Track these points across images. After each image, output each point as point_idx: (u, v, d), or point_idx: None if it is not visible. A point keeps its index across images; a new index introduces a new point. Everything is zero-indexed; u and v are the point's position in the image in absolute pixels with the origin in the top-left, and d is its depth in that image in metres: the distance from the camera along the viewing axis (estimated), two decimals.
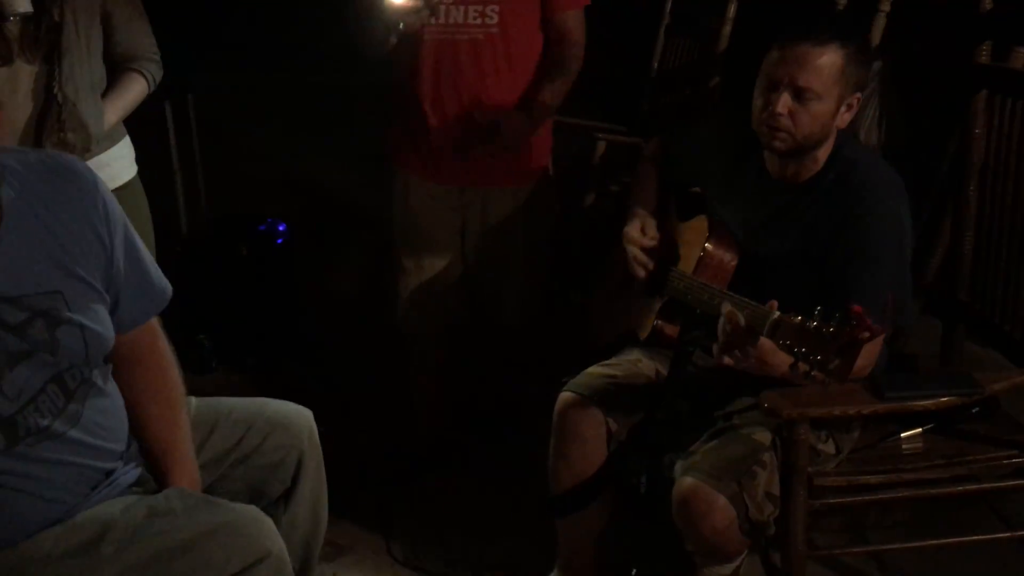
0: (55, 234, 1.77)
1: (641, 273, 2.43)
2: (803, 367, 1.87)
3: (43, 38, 2.46)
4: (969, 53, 2.50)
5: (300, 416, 2.11)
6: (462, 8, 2.76)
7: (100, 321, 1.83)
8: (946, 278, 2.61)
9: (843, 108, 2.22)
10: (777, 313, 1.94)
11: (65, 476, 1.79)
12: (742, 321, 2.00)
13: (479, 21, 2.76)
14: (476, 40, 2.78)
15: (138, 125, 2.77)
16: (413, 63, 2.83)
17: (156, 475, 1.94)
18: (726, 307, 2.04)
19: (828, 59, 2.15)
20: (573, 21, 2.85)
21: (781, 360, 1.98)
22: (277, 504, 2.06)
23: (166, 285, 2.02)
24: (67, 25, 2.48)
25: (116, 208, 1.88)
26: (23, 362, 1.73)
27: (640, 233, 2.44)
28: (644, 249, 2.43)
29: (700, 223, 2.40)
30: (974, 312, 2.53)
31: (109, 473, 1.86)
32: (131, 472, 1.91)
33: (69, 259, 1.78)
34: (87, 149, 2.53)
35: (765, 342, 1.98)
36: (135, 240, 1.93)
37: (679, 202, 2.52)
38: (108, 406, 1.87)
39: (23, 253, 1.72)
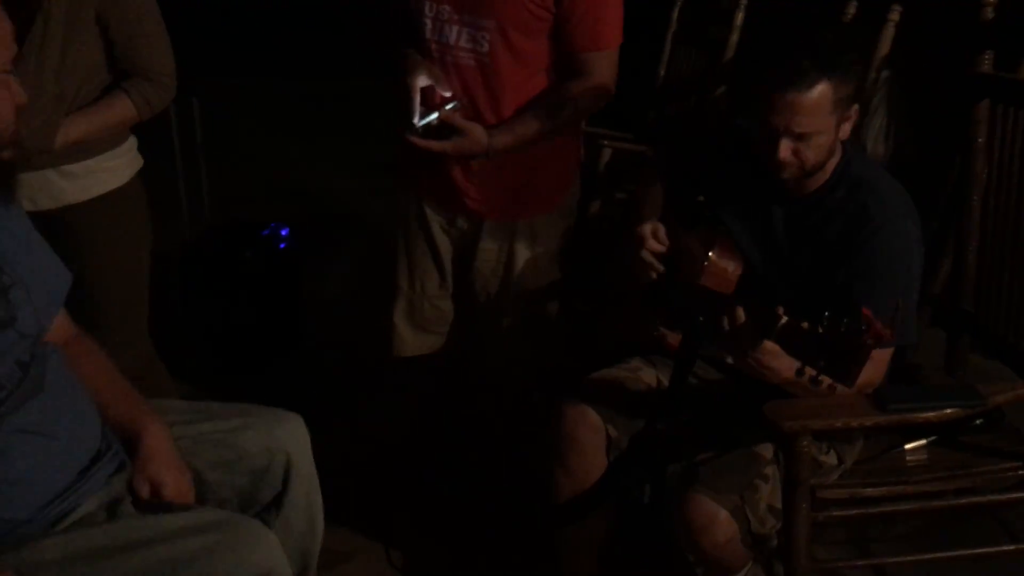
0: None
1: (651, 276, 2.39)
2: (810, 372, 1.85)
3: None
4: (971, 62, 2.49)
5: (287, 420, 2.11)
6: (455, 28, 2.51)
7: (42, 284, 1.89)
8: (951, 289, 2.59)
9: (844, 126, 2.19)
10: (785, 318, 1.91)
11: (47, 453, 1.80)
12: (748, 322, 1.99)
13: (470, 46, 2.49)
14: (465, 66, 2.52)
15: (142, 129, 2.75)
16: None
17: (129, 446, 1.95)
18: (737, 308, 2.02)
19: (818, 98, 2.11)
20: (597, 64, 2.52)
21: (784, 364, 1.97)
22: (269, 510, 2.05)
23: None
24: (35, 30, 2.39)
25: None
26: None
27: (652, 236, 2.39)
28: (654, 253, 2.39)
29: (704, 233, 2.37)
30: (979, 323, 2.52)
31: (94, 460, 1.87)
32: (113, 461, 1.92)
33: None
34: (26, 159, 2.40)
35: (769, 344, 1.96)
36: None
37: (683, 211, 2.50)
38: (67, 386, 1.89)
39: None
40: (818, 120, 2.13)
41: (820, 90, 2.11)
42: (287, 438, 2.07)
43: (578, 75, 2.53)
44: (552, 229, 2.74)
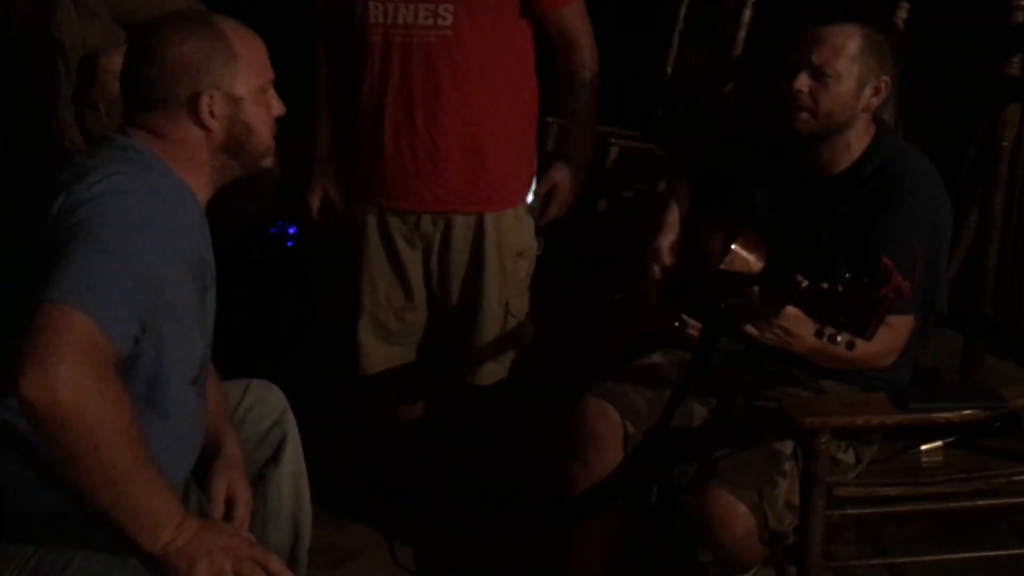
0: None
1: (654, 287, 2.42)
2: (829, 331, 1.87)
3: None
4: (998, 65, 2.49)
5: (276, 390, 2.22)
6: (412, 7, 2.45)
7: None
8: (968, 291, 2.59)
9: (867, 91, 2.20)
10: (806, 282, 1.92)
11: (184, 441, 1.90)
12: (768, 293, 2.00)
13: (431, 22, 2.44)
14: (428, 44, 2.47)
15: None
16: (359, 70, 2.58)
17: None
18: (756, 285, 2.04)
19: (844, 38, 2.16)
20: (572, 18, 2.54)
21: (807, 331, 1.98)
22: (268, 465, 2.14)
23: None
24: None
25: None
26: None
27: (667, 250, 2.42)
28: (664, 268, 2.41)
29: (728, 227, 2.37)
30: (996, 325, 2.52)
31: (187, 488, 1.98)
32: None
33: None
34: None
35: (791, 310, 1.98)
36: None
37: (709, 208, 2.49)
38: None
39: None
40: (837, 60, 2.16)
41: (847, 30, 2.16)
42: (279, 406, 2.19)
43: (564, 40, 2.56)
44: (518, 226, 2.71)
